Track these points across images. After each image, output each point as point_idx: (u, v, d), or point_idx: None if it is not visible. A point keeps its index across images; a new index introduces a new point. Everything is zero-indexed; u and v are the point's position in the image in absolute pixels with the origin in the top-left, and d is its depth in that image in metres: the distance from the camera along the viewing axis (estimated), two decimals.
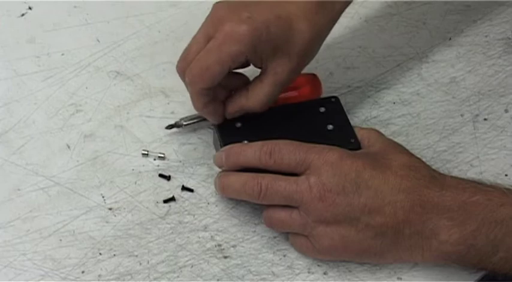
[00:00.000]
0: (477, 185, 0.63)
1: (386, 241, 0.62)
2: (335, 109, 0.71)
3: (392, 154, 0.65)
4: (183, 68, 0.68)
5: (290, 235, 0.67)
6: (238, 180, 0.66)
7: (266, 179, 0.64)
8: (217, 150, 0.70)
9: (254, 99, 0.68)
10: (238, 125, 0.70)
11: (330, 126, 0.70)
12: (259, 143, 0.65)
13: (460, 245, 0.61)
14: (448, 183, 0.63)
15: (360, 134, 0.69)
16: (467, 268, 0.64)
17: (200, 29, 0.68)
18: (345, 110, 0.71)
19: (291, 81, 0.69)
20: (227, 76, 0.66)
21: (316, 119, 0.70)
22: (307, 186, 0.62)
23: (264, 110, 0.69)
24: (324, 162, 0.62)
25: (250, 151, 0.65)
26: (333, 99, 0.72)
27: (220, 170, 0.69)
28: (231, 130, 0.70)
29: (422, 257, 0.63)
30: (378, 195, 0.61)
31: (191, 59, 0.66)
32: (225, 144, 0.68)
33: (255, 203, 0.66)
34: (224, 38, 0.64)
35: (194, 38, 0.68)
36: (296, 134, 0.67)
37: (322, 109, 0.71)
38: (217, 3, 0.67)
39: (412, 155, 0.66)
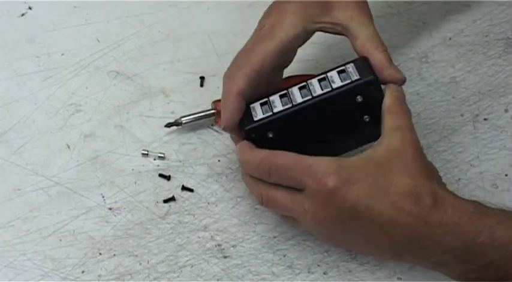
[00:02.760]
0: (481, 218, 0.58)
1: (387, 258, 0.65)
2: (374, 96, 0.63)
3: (395, 173, 0.59)
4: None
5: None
6: (247, 181, 0.65)
7: (266, 191, 0.62)
8: None
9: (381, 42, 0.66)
10: (270, 135, 0.64)
11: (367, 118, 0.64)
12: (259, 157, 0.62)
13: (469, 276, 0.59)
14: (451, 215, 0.58)
15: (386, 108, 0.63)
16: None
17: (253, 33, 0.69)
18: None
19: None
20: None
21: (352, 112, 0.64)
22: (303, 210, 0.60)
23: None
24: (317, 190, 0.59)
25: (252, 165, 0.63)
26: (371, 87, 0.63)
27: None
28: (263, 141, 0.64)
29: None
30: (373, 227, 0.58)
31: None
32: None
33: None
34: (274, 20, 0.67)
35: (246, 43, 0.68)
36: (331, 134, 0.64)
37: (360, 98, 0.63)
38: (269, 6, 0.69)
39: (416, 173, 0.59)
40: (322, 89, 0.64)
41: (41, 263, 0.67)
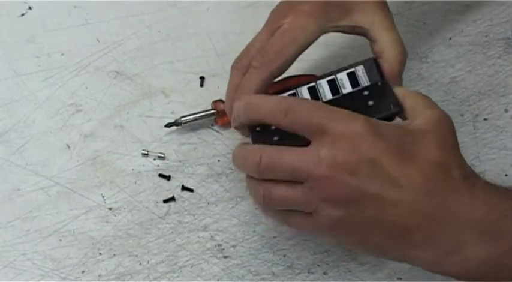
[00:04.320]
0: None
1: (392, 241, 0.55)
2: (383, 97, 0.61)
3: (426, 143, 0.55)
4: (246, 62, 0.65)
5: (285, 213, 0.59)
6: (242, 151, 0.59)
7: (268, 152, 0.57)
8: None
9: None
10: (276, 138, 0.60)
11: (371, 102, 0.61)
12: (279, 97, 0.59)
13: (488, 264, 0.54)
14: (481, 191, 0.55)
15: (404, 100, 0.60)
16: None
17: (262, 28, 0.66)
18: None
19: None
20: None
21: (357, 98, 0.62)
22: (317, 158, 0.54)
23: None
24: (342, 133, 0.54)
25: (267, 105, 0.58)
26: (379, 84, 0.62)
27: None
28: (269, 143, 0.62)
29: (438, 269, 0.56)
30: (394, 189, 0.53)
31: (254, 54, 0.64)
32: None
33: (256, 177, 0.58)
34: (293, 21, 0.64)
35: (256, 37, 0.66)
36: None
37: (371, 102, 0.61)
38: (280, 2, 0.67)
39: (448, 148, 0.56)
40: (332, 95, 0.63)
41: (41, 263, 0.67)
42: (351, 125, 0.54)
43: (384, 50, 0.64)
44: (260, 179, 0.58)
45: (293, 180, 0.56)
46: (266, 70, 0.63)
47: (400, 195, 0.54)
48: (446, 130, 0.57)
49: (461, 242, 0.54)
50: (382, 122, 0.57)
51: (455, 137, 0.58)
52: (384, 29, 0.65)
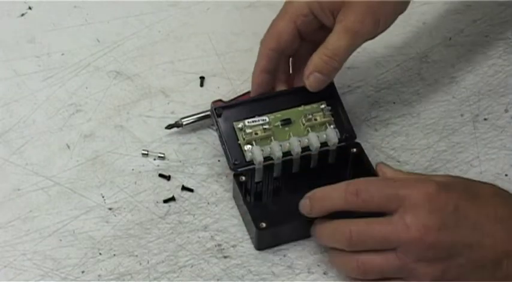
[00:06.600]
0: None
1: (484, 274, 0.60)
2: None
3: (474, 183, 0.64)
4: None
5: None
6: (329, 227, 0.63)
7: (357, 224, 0.61)
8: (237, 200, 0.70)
9: (332, 50, 0.67)
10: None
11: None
12: (343, 183, 0.62)
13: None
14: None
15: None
16: None
17: None
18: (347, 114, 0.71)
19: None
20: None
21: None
22: (404, 225, 0.59)
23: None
24: (418, 197, 0.59)
25: (335, 193, 0.62)
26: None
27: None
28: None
29: None
30: (476, 228, 0.59)
31: None
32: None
33: (346, 250, 0.62)
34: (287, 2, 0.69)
35: None
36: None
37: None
38: None
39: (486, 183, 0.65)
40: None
41: (41, 263, 0.67)
42: (423, 188, 0.60)
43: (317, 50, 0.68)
44: (351, 252, 0.62)
45: (383, 249, 0.60)
46: (265, 45, 0.69)
47: (482, 233, 0.59)
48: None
49: None
50: (443, 178, 0.63)
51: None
52: (334, 33, 0.67)
